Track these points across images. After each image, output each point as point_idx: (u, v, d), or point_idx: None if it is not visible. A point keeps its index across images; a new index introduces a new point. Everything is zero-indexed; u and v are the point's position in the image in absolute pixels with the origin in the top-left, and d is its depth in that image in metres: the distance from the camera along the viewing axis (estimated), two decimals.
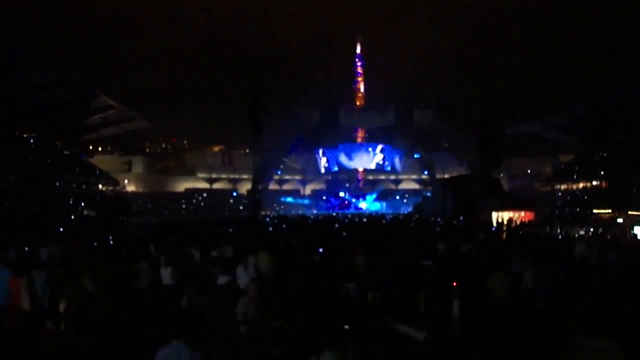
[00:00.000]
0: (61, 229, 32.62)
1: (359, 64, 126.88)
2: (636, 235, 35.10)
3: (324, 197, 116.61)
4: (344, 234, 31.67)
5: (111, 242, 26.05)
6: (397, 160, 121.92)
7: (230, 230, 35.66)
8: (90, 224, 38.87)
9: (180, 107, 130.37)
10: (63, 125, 75.34)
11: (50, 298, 12.10)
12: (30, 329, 11.92)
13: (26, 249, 19.78)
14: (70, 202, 65.26)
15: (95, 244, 24.97)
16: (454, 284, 10.19)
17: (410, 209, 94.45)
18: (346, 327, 8.10)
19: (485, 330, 10.37)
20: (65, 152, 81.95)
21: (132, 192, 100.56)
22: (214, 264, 15.17)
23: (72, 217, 50.34)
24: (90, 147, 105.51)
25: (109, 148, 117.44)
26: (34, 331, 11.75)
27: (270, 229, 38.95)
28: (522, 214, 53.89)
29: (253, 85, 79.21)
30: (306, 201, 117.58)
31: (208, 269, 14.81)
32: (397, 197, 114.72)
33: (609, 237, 31.41)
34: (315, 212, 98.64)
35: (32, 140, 73.09)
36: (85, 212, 61.00)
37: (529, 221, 50.16)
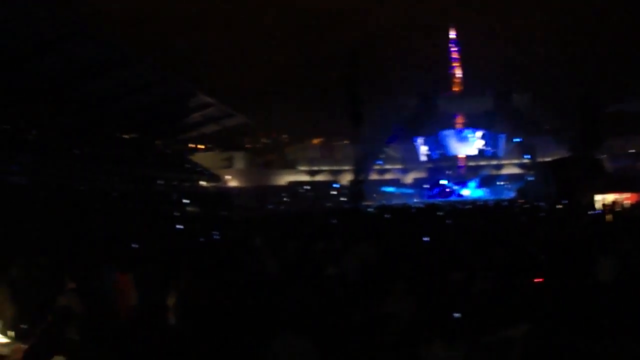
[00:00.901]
0: (165, 226, 33.22)
1: (454, 49, 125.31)
2: None
3: (426, 186, 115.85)
4: (448, 222, 31.24)
5: (216, 237, 26.32)
6: (497, 145, 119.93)
7: (335, 221, 35.66)
8: (194, 221, 39.42)
9: (279, 100, 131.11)
10: (163, 125, 76.96)
11: (158, 293, 12.19)
12: (141, 325, 12.00)
13: (133, 245, 20.13)
14: (173, 200, 66.59)
15: (201, 239, 25.28)
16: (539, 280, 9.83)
17: (513, 195, 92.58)
18: (457, 316, 7.86)
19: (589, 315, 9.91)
20: (166, 151, 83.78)
21: (235, 188, 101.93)
22: (320, 255, 15.12)
23: (176, 214, 51.24)
24: (191, 145, 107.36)
25: (209, 145, 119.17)
26: (146, 327, 11.83)
27: (374, 219, 38.72)
28: (628, 195, 51.89)
29: (351, 76, 79.17)
30: (408, 190, 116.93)
31: (315, 260, 14.76)
32: (499, 183, 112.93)
33: None
34: (417, 200, 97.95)
35: (133, 141, 75.00)
36: (188, 209, 62.10)
37: (635, 203, 48.24)
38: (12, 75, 45.98)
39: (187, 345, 9.97)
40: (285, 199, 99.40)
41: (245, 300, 12.46)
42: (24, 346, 9.04)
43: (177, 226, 33.24)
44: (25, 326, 10.25)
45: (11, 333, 9.83)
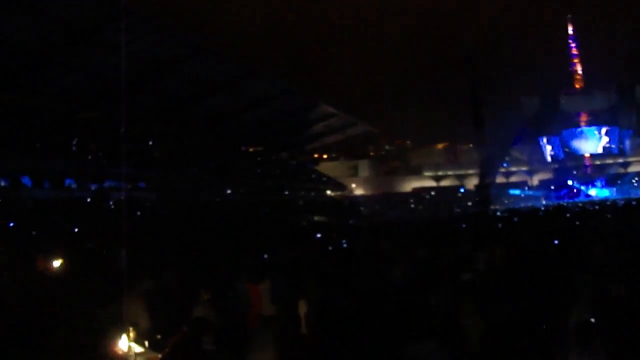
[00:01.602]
0: (293, 236, 33.58)
1: (572, 45, 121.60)
2: None
3: (552, 187, 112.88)
4: (577, 223, 30.37)
5: (344, 246, 26.38)
6: (624, 142, 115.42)
7: (463, 226, 35.23)
8: (322, 229, 39.67)
9: (401, 106, 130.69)
10: (287, 136, 78.06)
11: (289, 302, 12.29)
12: (272, 334, 12.11)
13: (264, 256, 20.44)
14: (301, 209, 67.29)
15: (330, 248, 25.39)
16: None
17: None
18: (592, 320, 7.58)
19: None
20: (292, 162, 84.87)
21: (360, 196, 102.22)
22: (451, 261, 14.94)
23: (304, 223, 51.76)
24: (316, 155, 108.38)
25: (334, 155, 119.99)
26: (277, 336, 11.92)
27: (502, 223, 38.01)
28: None
29: (472, 78, 78.22)
30: (534, 192, 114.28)
31: (446, 266, 14.59)
32: (627, 181, 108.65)
33: None
34: (544, 202, 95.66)
35: (259, 154, 76.37)
36: (315, 218, 62.63)
37: None
38: (140, 94, 47.73)
39: (321, 353, 10.00)
40: (411, 205, 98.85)
41: (377, 307, 12.40)
42: (158, 356, 9.26)
43: (306, 236, 33.53)
44: (159, 336, 10.50)
45: (146, 343, 10.06)
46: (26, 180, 41.32)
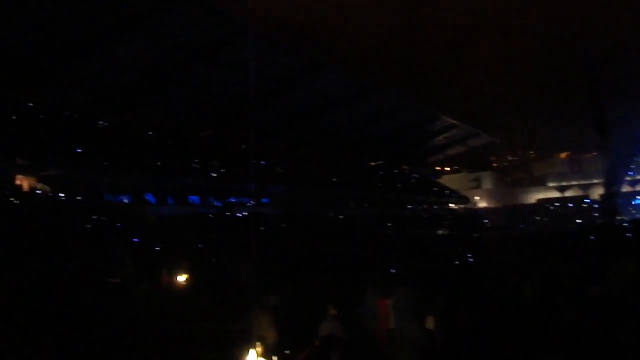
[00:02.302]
0: (419, 250, 33.18)
1: None
2: None
3: None
4: None
5: (470, 260, 25.88)
6: None
7: (591, 238, 34.00)
8: (446, 243, 39.07)
9: (523, 116, 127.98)
10: (409, 149, 77.67)
11: (417, 317, 12.00)
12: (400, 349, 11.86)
13: (391, 270, 20.18)
14: (425, 223, 66.68)
15: (456, 262, 24.95)
16: None
17: None
18: None
19: None
20: (414, 175, 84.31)
21: (484, 208, 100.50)
22: (580, 274, 14.34)
23: (428, 237, 51.18)
24: (438, 168, 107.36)
25: (456, 167, 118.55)
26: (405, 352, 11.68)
27: (631, 234, 36.44)
28: None
29: (594, 86, 75.75)
30: None
31: (576, 280, 14.00)
32: None
33: None
34: None
35: (381, 168, 76.18)
36: (439, 232, 61.86)
37: None
38: (262, 110, 48.50)
39: None
40: (536, 218, 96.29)
41: (505, 322, 12.00)
42: None
43: (431, 250, 33.08)
44: (288, 352, 10.43)
45: (275, 358, 10.01)
46: (150, 197, 42.48)
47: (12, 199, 32.04)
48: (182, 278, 17.83)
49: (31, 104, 38.42)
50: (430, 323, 10.93)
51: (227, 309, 13.51)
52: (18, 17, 32.15)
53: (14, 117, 36.56)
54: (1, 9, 30.80)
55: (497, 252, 28.84)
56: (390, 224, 56.81)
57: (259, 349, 9.45)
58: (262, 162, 53.62)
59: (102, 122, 42.77)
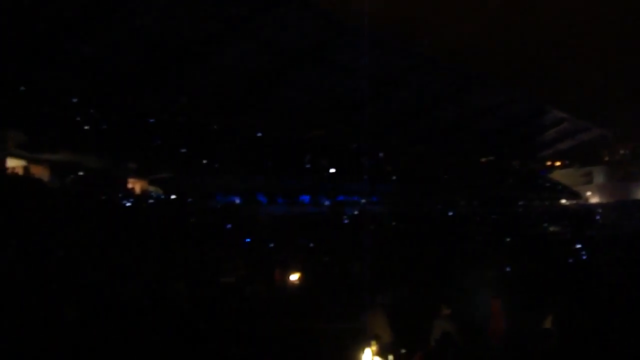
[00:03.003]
0: (531, 248, 32.62)
1: None
2: None
3: None
4: None
5: (583, 257, 25.31)
6: None
7: None
8: (558, 241, 38.20)
9: (635, 108, 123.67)
10: (517, 145, 76.34)
11: (530, 315, 11.86)
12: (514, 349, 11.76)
13: (506, 269, 20.01)
14: (535, 219, 65.36)
15: (570, 260, 24.47)
16: None
17: None
18: None
19: None
20: (524, 171, 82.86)
21: (596, 204, 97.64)
22: None
23: (540, 234, 50.14)
24: (548, 163, 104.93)
25: (567, 161, 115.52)
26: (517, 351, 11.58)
27: None
28: None
29: None
30: None
31: None
32: None
33: None
34: None
35: (490, 164, 75.18)
36: (551, 229, 60.51)
37: None
38: (368, 108, 48.53)
39: None
40: None
41: (622, 321, 11.77)
42: None
43: (543, 247, 32.45)
44: (403, 350, 10.46)
45: (390, 357, 10.05)
46: (261, 197, 43.15)
47: (125, 202, 33.05)
48: (294, 277, 18.05)
49: (141, 110, 39.59)
50: (547, 322, 10.80)
51: (341, 308, 13.66)
52: (129, 28, 33.29)
53: (125, 124, 37.79)
54: (114, 21, 32.00)
55: (611, 249, 28.04)
56: (501, 221, 55.96)
57: (374, 348, 9.54)
58: (371, 161, 53.73)
59: (211, 126, 43.73)
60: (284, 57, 40.42)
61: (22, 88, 32.91)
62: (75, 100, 35.60)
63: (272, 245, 26.63)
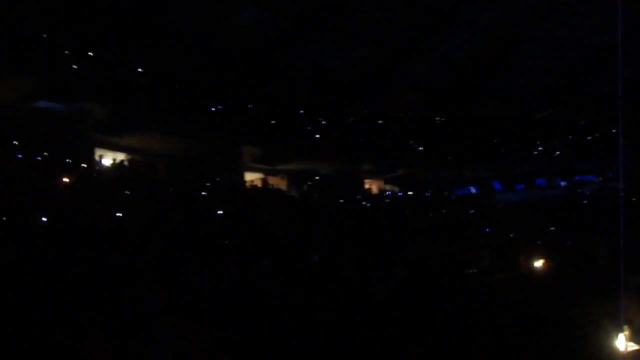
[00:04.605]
0: None
1: None
2: None
3: None
4: None
5: None
6: None
7: None
8: None
9: None
10: None
11: None
12: None
13: None
14: None
15: None
16: None
17: None
18: None
19: None
20: None
21: None
22: None
23: None
24: None
25: None
26: None
27: None
28: None
29: None
30: None
31: None
32: None
33: None
34: None
35: None
36: None
37: None
38: (595, 81, 46.38)
39: None
40: None
41: None
42: None
43: None
44: None
45: None
46: (497, 185, 42.64)
47: (364, 202, 33.82)
48: (539, 263, 17.85)
49: (368, 113, 40.21)
50: None
51: (590, 292, 13.37)
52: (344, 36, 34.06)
53: (354, 128, 38.65)
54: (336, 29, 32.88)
55: None
56: None
57: (627, 333, 9.34)
58: (603, 135, 51.30)
59: (437, 118, 43.62)
60: (500, 40, 39.53)
61: (251, 105, 34.61)
62: (302, 110, 36.86)
63: (513, 232, 26.25)
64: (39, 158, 23.34)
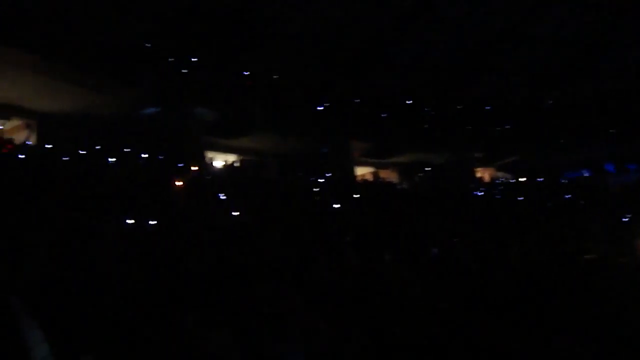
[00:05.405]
0: None
1: None
2: None
3: None
4: None
5: None
6: None
7: None
8: None
9: None
10: None
11: None
12: None
13: None
14: None
15: None
16: None
17: None
18: None
19: None
20: None
21: None
22: None
23: None
24: None
25: None
26: None
27: None
28: None
29: None
30: None
31: None
32: None
33: None
34: None
35: None
36: None
37: None
38: None
39: None
40: None
41: None
42: None
43: None
44: None
45: None
46: (610, 167, 41.64)
47: (476, 192, 33.46)
48: None
49: (475, 99, 39.63)
50: None
51: None
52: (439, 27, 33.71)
53: (461, 115, 38.23)
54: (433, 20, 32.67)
55: None
56: None
57: None
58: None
59: (544, 102, 42.65)
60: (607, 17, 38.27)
61: (358, 100, 34.68)
62: (409, 101, 36.70)
63: (629, 215, 25.60)
64: (157, 160, 23.93)
